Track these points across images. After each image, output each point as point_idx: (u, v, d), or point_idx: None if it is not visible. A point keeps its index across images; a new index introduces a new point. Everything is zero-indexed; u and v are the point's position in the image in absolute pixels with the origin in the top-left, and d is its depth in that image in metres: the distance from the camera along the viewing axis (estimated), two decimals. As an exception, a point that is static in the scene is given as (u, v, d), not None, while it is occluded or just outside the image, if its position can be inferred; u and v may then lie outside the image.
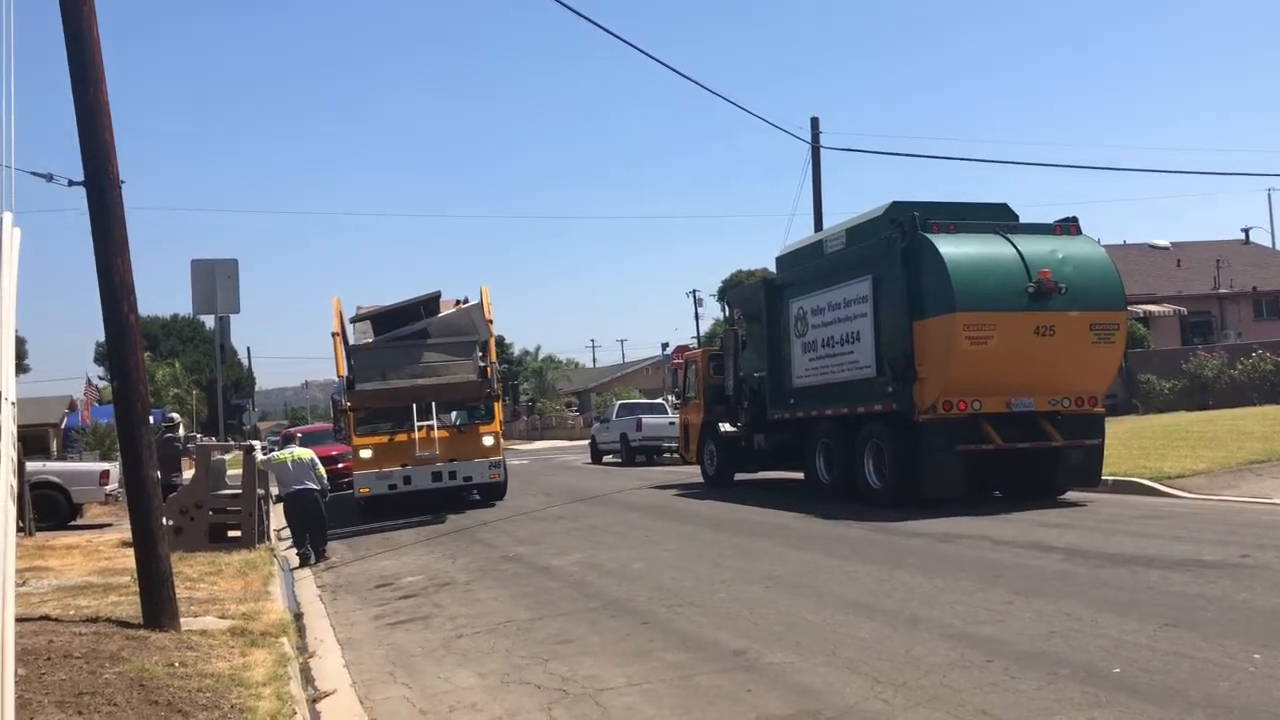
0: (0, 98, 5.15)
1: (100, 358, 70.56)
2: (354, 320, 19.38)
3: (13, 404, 3.93)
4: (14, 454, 3.86)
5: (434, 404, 18.12)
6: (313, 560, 13.77)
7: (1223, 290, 41.18)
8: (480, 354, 18.18)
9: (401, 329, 18.13)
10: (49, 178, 9.30)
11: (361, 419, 18.40)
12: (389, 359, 17.55)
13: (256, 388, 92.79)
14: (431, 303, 18.96)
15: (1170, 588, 8.03)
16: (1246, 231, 49.27)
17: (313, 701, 6.93)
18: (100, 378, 61.91)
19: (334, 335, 18.70)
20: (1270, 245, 51.28)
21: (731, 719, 5.60)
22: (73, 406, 47.66)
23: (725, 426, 20.49)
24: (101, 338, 66.26)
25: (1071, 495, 14.66)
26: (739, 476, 20.74)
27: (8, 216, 4.37)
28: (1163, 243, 45.61)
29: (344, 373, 17.98)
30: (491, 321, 18.83)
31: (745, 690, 6.10)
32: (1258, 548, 9.48)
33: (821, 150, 27.56)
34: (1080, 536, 10.97)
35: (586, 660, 7.15)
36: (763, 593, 9.10)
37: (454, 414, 18.92)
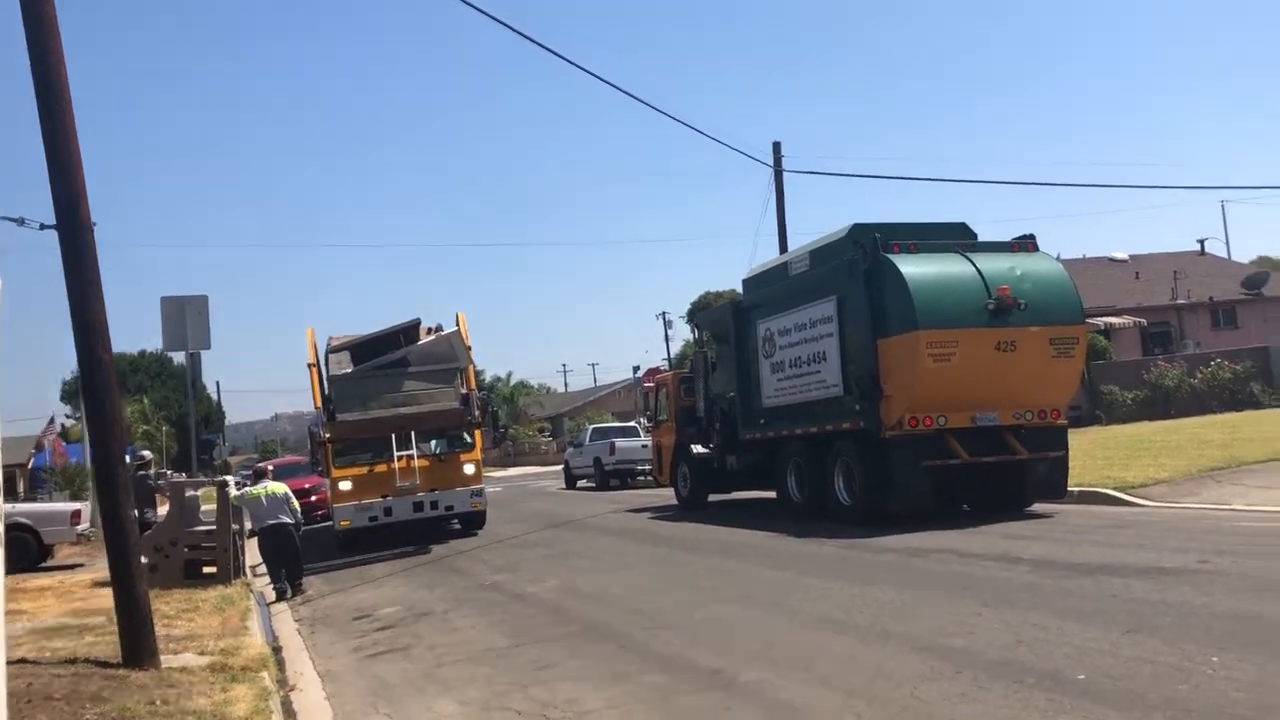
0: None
1: (67, 396, 69.91)
2: (331, 350, 19.13)
3: None
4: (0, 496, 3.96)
5: (415, 433, 18.03)
6: (289, 594, 13.77)
7: (1180, 301, 41.88)
8: (461, 381, 18.20)
9: (381, 358, 18.10)
10: (20, 222, 9.37)
11: (340, 450, 18.19)
12: (369, 388, 17.45)
13: (226, 421, 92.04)
14: (410, 330, 18.99)
15: (1132, 595, 8.25)
16: (1202, 243, 50.20)
17: (296, 735, 7.01)
18: (67, 416, 61.34)
19: (310, 366, 18.62)
20: (1226, 256, 52.21)
21: (709, 737, 5.74)
22: (39, 446, 47.19)
23: (697, 448, 20.65)
24: (68, 376, 65.43)
25: (1038, 507, 14.91)
26: (712, 497, 20.89)
27: (-10, 267, 4.46)
28: (1121, 255, 46.34)
29: (321, 404, 17.90)
30: (470, 348, 18.83)
31: (724, 708, 6.25)
32: (1216, 554, 9.73)
33: (784, 174, 27.92)
34: (1047, 547, 11.19)
35: (566, 685, 7.27)
36: (738, 612, 9.26)
37: (434, 443, 18.80)
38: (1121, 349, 38.60)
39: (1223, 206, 59.73)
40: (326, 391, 17.90)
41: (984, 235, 16.01)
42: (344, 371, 18.07)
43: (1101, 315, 38.86)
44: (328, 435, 17.87)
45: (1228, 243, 60.41)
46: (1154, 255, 46.51)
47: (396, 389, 17.42)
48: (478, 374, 20.95)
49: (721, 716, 6.07)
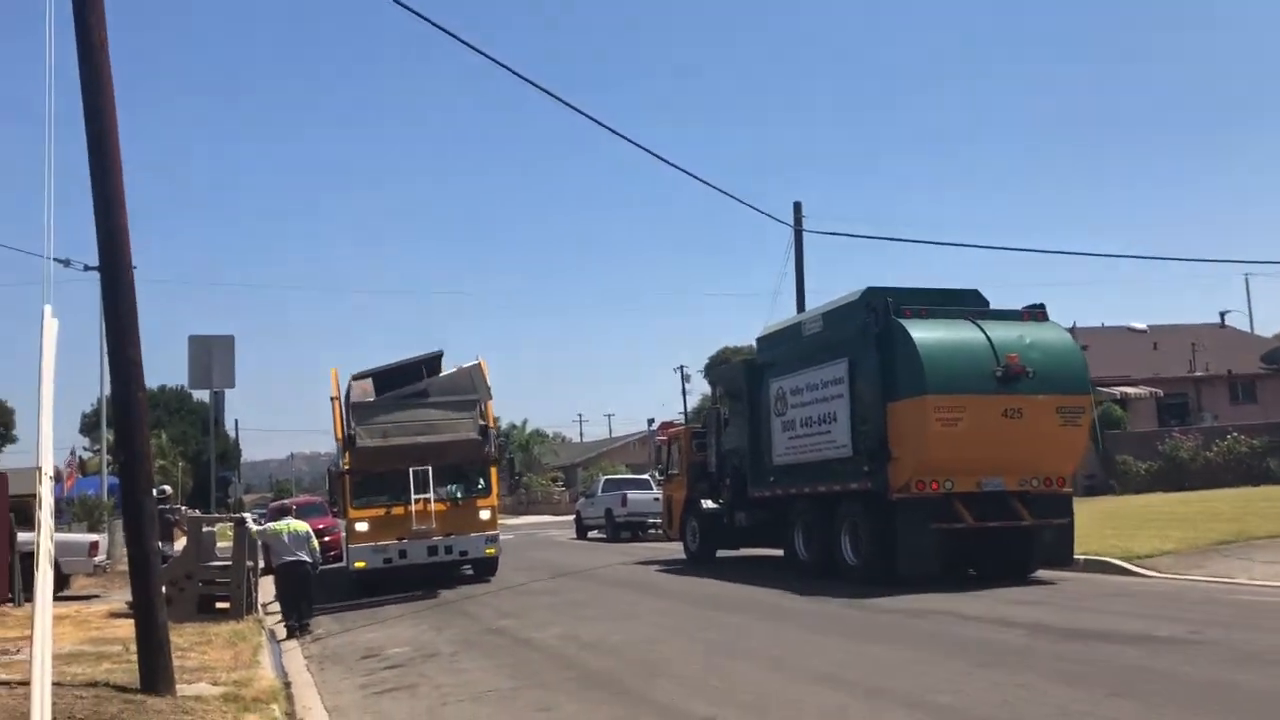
0: (44, 204, 5.67)
1: (86, 428, 70.58)
2: (355, 378, 19.58)
3: (50, 477, 4.39)
4: (51, 523, 4.30)
5: (431, 474, 18.06)
6: (299, 632, 14.04)
7: (1199, 373, 41.94)
8: (480, 413, 18.45)
9: (402, 389, 18.45)
10: (66, 263, 9.83)
11: (358, 491, 18.36)
12: (390, 416, 17.80)
13: (242, 459, 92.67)
14: (433, 362, 19.41)
15: (1121, 661, 8.46)
16: (1223, 315, 50.33)
17: (302, 764, 7.26)
18: (85, 448, 61.94)
19: (332, 399, 18.93)
20: (1248, 329, 52.28)
21: (698, 780, 5.97)
22: (58, 477, 47.73)
23: (707, 503, 20.87)
24: (87, 409, 65.99)
25: (1043, 574, 15.05)
26: (721, 553, 21.05)
27: (48, 309, 4.86)
28: (1140, 325, 46.48)
29: (342, 435, 18.16)
30: (490, 387, 19.15)
31: (713, 754, 6.49)
32: (1208, 624, 9.91)
33: (804, 234, 28.38)
34: (1044, 613, 11.38)
35: (565, 727, 7.52)
36: (735, 664, 9.48)
37: (451, 486, 18.82)
38: (1137, 419, 38.64)
39: (1246, 280, 59.88)
40: (347, 420, 18.17)
41: (1004, 300, 16.32)
42: (366, 400, 18.44)
43: (1118, 385, 38.95)
44: (347, 464, 18.13)
45: (1251, 316, 60.36)
46: (1174, 326, 46.63)
47: (417, 418, 17.77)
48: (498, 437, 21.18)
49: (711, 761, 6.32)
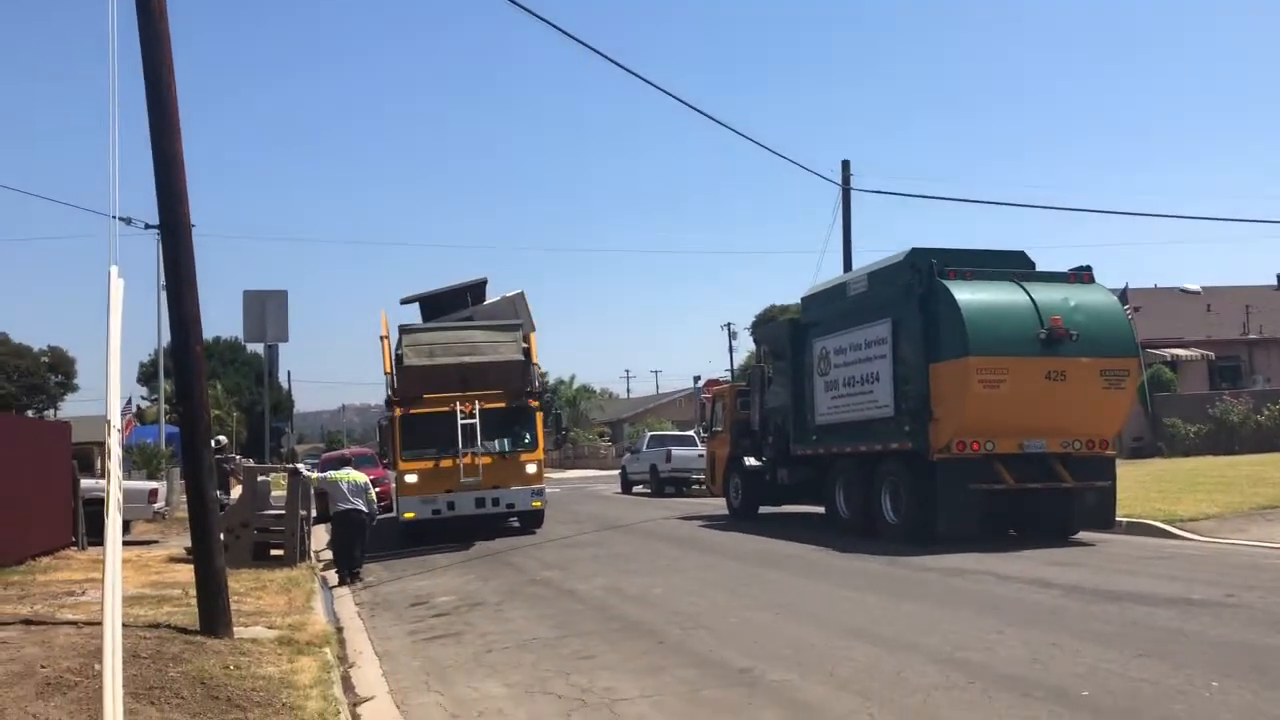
0: (108, 164, 5.91)
1: (144, 378, 72.07)
2: (404, 301, 20.47)
3: (119, 429, 4.66)
4: (119, 473, 4.58)
5: (479, 427, 18.43)
6: (350, 579, 14.47)
7: (1252, 336, 41.25)
8: (523, 338, 19.00)
9: (448, 314, 19.14)
10: (129, 221, 10.14)
11: (407, 443, 18.83)
12: (435, 337, 18.58)
13: (295, 410, 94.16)
14: (478, 289, 20.15)
15: (1154, 623, 8.56)
16: (1279, 277, 49.24)
17: (353, 705, 7.59)
18: (143, 398, 63.27)
19: (382, 339, 19.45)
20: (1305, 291, 51.12)
21: (731, 727, 6.20)
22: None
23: (750, 460, 21.05)
24: (145, 359, 67.40)
25: (1084, 536, 15.09)
26: (762, 509, 21.27)
27: (113, 270, 5.11)
28: (1194, 287, 45.71)
29: (390, 366, 18.75)
30: (532, 319, 19.63)
31: (746, 703, 6.71)
32: (1245, 588, 9.97)
33: (851, 192, 28.20)
34: (1082, 575, 11.46)
35: (604, 674, 7.78)
36: (773, 618, 9.70)
37: (498, 440, 19.26)
38: (1188, 382, 38.15)
39: (1305, 241, 58.29)
40: (396, 347, 18.76)
41: (1056, 263, 16.22)
42: (413, 324, 19.14)
43: (1169, 347, 38.47)
44: (395, 392, 18.67)
45: (1308, 278, 58.99)
46: (1228, 288, 45.79)
47: (462, 340, 18.54)
48: (541, 376, 21.89)
49: (743, 710, 6.54)
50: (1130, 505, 16.85)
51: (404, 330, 18.89)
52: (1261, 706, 5.97)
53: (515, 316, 19.43)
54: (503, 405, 19.22)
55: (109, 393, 4.76)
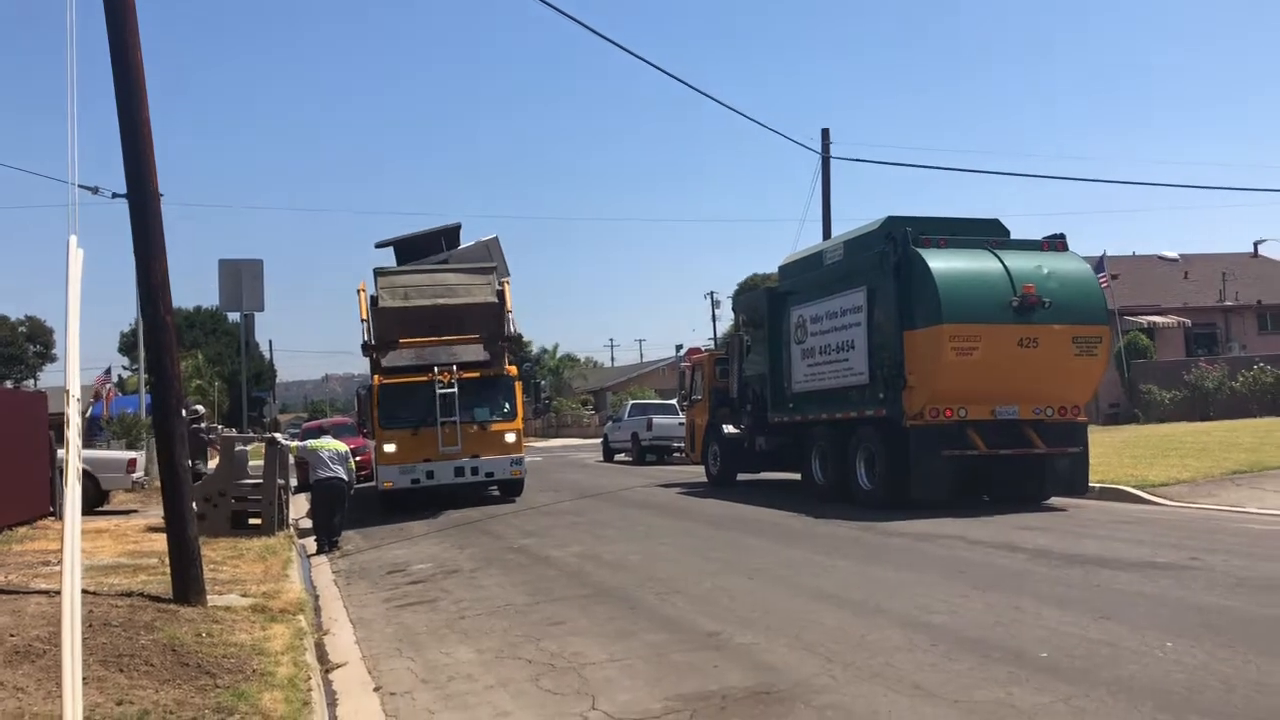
0: (67, 131, 5.89)
1: (125, 348, 71.76)
2: (379, 245, 20.74)
3: (78, 400, 4.67)
4: (79, 442, 4.60)
5: (458, 396, 18.50)
6: (328, 548, 14.53)
7: (1228, 303, 41.56)
8: (497, 282, 19.06)
9: (423, 259, 19.41)
10: (95, 190, 10.08)
11: (386, 412, 18.86)
12: (410, 279, 18.66)
13: (277, 380, 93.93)
14: (452, 234, 20.39)
15: (1116, 586, 8.70)
16: (1256, 245, 49.56)
17: (326, 671, 7.66)
18: (124, 367, 63.02)
19: (359, 291, 19.56)
20: (1281, 258, 51.47)
21: (696, 690, 6.29)
22: (97, 395, 48.65)
23: (728, 428, 21.17)
24: (126, 329, 67.00)
25: (1057, 501, 15.27)
26: (741, 477, 21.42)
27: (73, 239, 5.11)
28: (1171, 254, 45.99)
29: (367, 310, 18.88)
30: (506, 264, 19.85)
31: (713, 666, 6.80)
32: (1209, 552, 10.13)
33: (831, 160, 28.19)
34: (1050, 539, 11.62)
35: (575, 639, 7.87)
36: (744, 583, 9.81)
37: (476, 410, 19.28)
38: (1165, 348, 38.46)
39: (1284, 208, 58.47)
40: (373, 291, 18.81)
41: (1028, 229, 16.30)
42: (389, 266, 19.36)
43: (1146, 314, 38.75)
44: (373, 333, 18.82)
45: (1286, 245, 59.54)
46: (1205, 255, 46.10)
47: (436, 282, 18.62)
48: (522, 344, 22.19)
49: (709, 672, 6.63)
50: (1103, 471, 17.04)
51: (378, 273, 18.88)
52: (1214, 666, 6.10)
53: (490, 260, 19.54)
54: (482, 375, 19.28)
55: (68, 362, 4.78)
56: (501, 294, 18.94)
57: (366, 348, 19.04)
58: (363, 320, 19.08)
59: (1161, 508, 14.52)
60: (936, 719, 5.45)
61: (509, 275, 20.04)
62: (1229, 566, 9.33)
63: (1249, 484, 15.93)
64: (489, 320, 18.84)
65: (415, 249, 20.20)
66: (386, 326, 18.57)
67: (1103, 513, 14.11)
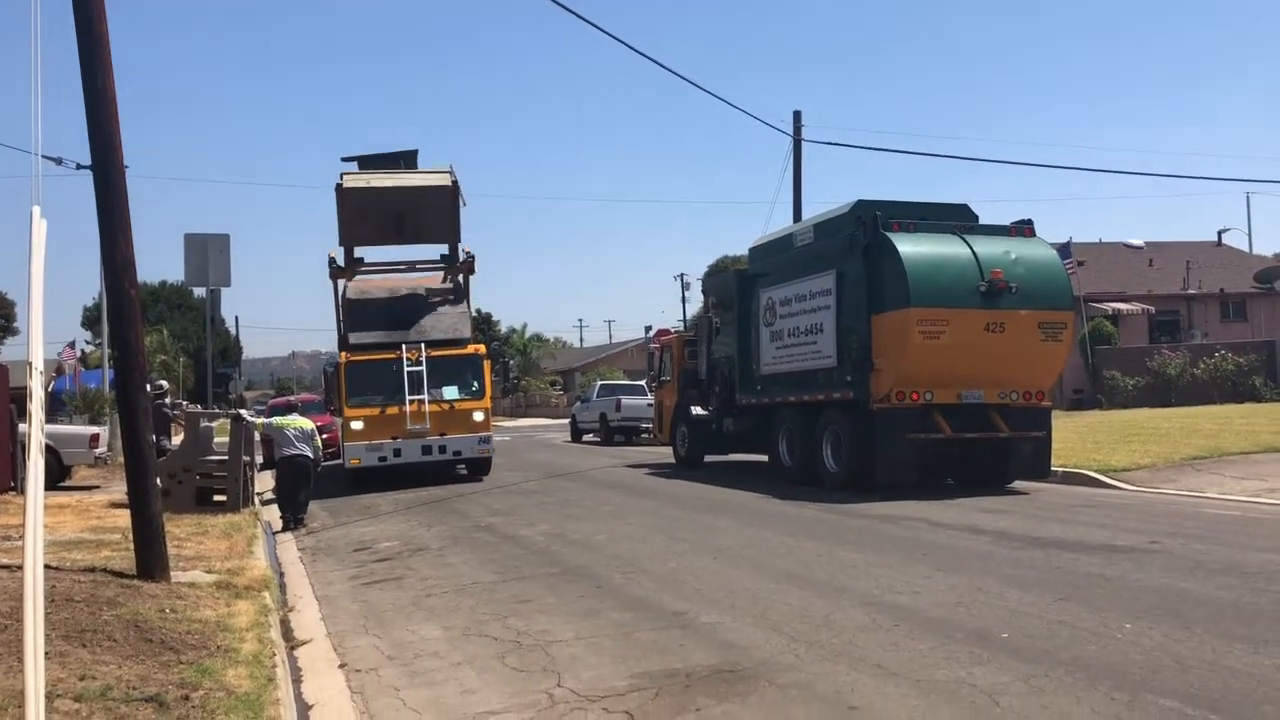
0: (31, 100, 5.79)
1: (88, 322, 70.84)
2: (344, 159, 21.88)
3: (41, 372, 4.62)
4: (41, 415, 4.55)
5: (425, 375, 18.82)
6: (294, 525, 14.47)
7: (1191, 291, 42.07)
8: (453, 180, 20.33)
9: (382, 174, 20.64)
10: (59, 161, 9.95)
11: (353, 390, 18.89)
12: (372, 173, 20.39)
13: (243, 356, 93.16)
14: (410, 156, 21.55)
15: (1076, 568, 8.82)
16: (1220, 234, 50.18)
17: (291, 648, 7.64)
18: (88, 342, 62.22)
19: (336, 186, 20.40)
20: (1245, 248, 52.16)
21: (662, 668, 6.32)
22: (60, 370, 48.07)
23: (697, 410, 21.21)
24: (89, 303, 66.19)
25: (1020, 485, 15.44)
26: (708, 458, 21.49)
27: (36, 210, 5.04)
28: (1137, 242, 46.45)
29: (341, 235, 20.18)
30: (460, 189, 20.72)
31: (679, 645, 6.85)
32: (1168, 535, 10.29)
33: (804, 144, 28.24)
34: (1013, 522, 11.76)
35: (541, 618, 7.89)
36: (710, 563, 9.86)
37: (445, 389, 19.36)
38: (1128, 335, 38.90)
39: (1248, 198, 59.15)
40: (341, 217, 20.03)
41: (997, 215, 16.43)
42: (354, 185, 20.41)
43: (1111, 301, 39.15)
44: (342, 253, 20.13)
45: (1250, 235, 60.23)
46: (1170, 243, 46.62)
47: (394, 173, 20.50)
48: (490, 324, 22.88)
49: (675, 651, 6.67)
50: (1066, 455, 17.24)
51: (342, 194, 20.00)
52: (1170, 647, 6.20)
53: (446, 170, 20.86)
54: (450, 354, 19.29)
55: (31, 335, 4.72)
56: (456, 185, 20.17)
57: (333, 265, 20.21)
58: (330, 258, 20.41)
59: (1123, 492, 14.73)
60: (899, 698, 5.51)
61: (463, 197, 20.91)
62: (1187, 550, 9.48)
63: (1209, 469, 16.17)
64: (442, 205, 20.23)
65: (376, 163, 21.33)
66: (351, 218, 19.84)
67: (1064, 496, 14.29)
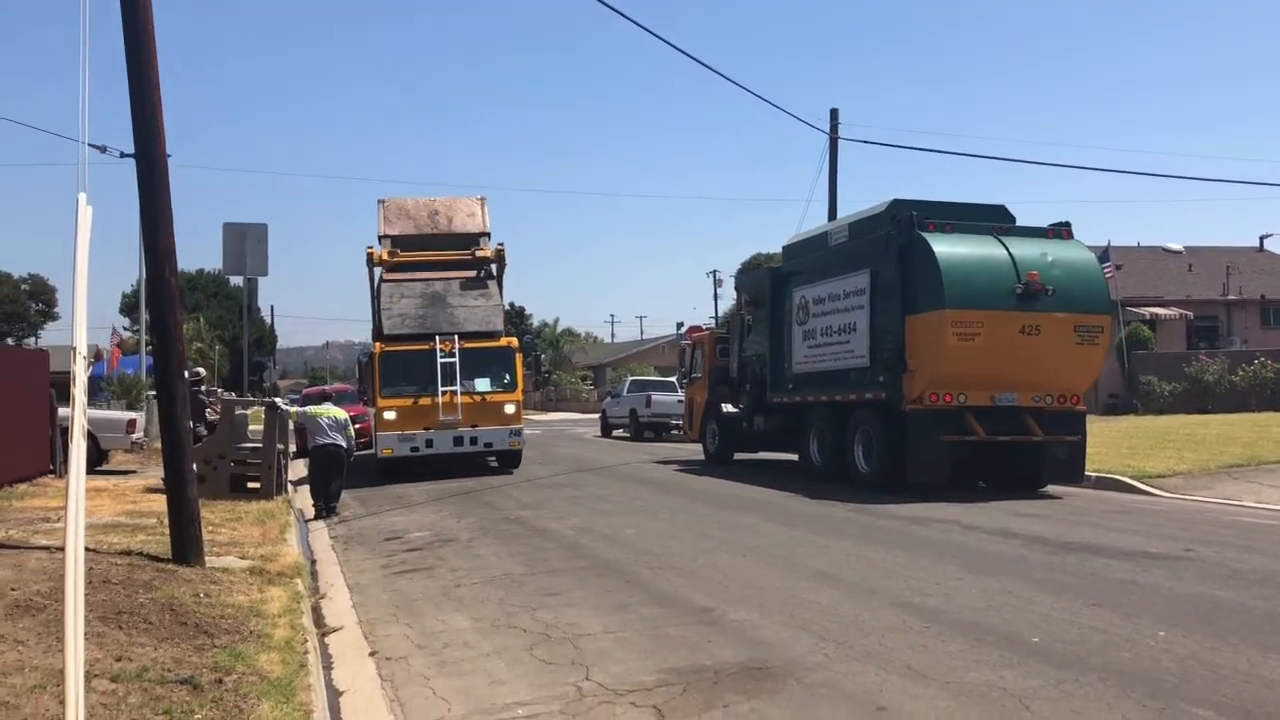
0: (78, 89, 5.87)
1: (126, 309, 71.71)
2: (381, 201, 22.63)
3: (85, 357, 4.69)
4: (84, 399, 4.62)
5: (459, 367, 18.93)
6: (326, 514, 14.59)
7: (1231, 297, 41.52)
8: (480, 202, 21.72)
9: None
10: (103, 149, 10.06)
11: (386, 380, 19.07)
12: (409, 204, 21.42)
13: (278, 345, 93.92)
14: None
15: (1109, 574, 8.75)
16: (1262, 239, 49.47)
17: (322, 635, 7.71)
18: (125, 328, 62.98)
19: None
20: (1287, 253, 51.35)
21: (690, 664, 6.34)
22: (98, 356, 48.67)
23: (727, 407, 21.20)
24: (128, 289, 67.04)
25: (1053, 489, 15.32)
26: (738, 455, 21.46)
27: (82, 197, 5.12)
28: (1176, 246, 45.88)
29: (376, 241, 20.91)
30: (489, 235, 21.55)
31: (706, 641, 6.86)
32: (1202, 543, 10.17)
33: (840, 141, 28.11)
34: (1045, 526, 11.67)
35: (570, 611, 7.92)
36: (739, 560, 9.86)
37: (477, 380, 19.51)
38: (1166, 340, 38.45)
39: (1291, 203, 58.30)
40: (380, 217, 21.07)
41: (1037, 217, 16.31)
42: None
43: (1149, 305, 38.72)
44: (383, 250, 20.55)
45: (1291, 240, 59.27)
46: (1210, 248, 46.00)
47: (428, 204, 21.60)
48: (523, 317, 23.28)
49: (703, 647, 6.68)
50: (1100, 460, 17.08)
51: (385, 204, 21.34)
52: (1204, 655, 6.14)
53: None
54: (483, 345, 19.40)
55: (75, 321, 4.80)
56: (483, 204, 21.62)
57: (371, 258, 20.57)
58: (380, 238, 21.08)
59: (1157, 498, 14.57)
60: (928, 699, 5.49)
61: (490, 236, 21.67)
62: (1222, 558, 9.38)
63: (1245, 477, 15.98)
64: (476, 213, 21.36)
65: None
66: (389, 216, 20.97)
67: (1097, 501, 14.17)
